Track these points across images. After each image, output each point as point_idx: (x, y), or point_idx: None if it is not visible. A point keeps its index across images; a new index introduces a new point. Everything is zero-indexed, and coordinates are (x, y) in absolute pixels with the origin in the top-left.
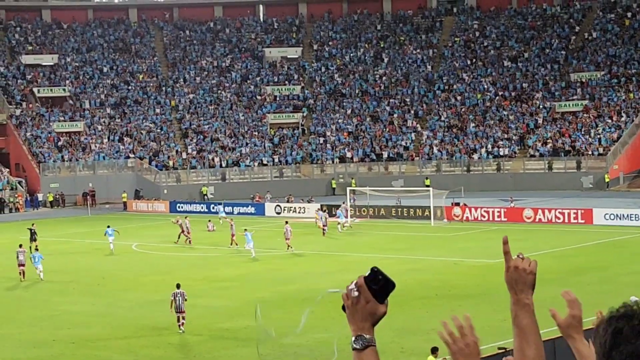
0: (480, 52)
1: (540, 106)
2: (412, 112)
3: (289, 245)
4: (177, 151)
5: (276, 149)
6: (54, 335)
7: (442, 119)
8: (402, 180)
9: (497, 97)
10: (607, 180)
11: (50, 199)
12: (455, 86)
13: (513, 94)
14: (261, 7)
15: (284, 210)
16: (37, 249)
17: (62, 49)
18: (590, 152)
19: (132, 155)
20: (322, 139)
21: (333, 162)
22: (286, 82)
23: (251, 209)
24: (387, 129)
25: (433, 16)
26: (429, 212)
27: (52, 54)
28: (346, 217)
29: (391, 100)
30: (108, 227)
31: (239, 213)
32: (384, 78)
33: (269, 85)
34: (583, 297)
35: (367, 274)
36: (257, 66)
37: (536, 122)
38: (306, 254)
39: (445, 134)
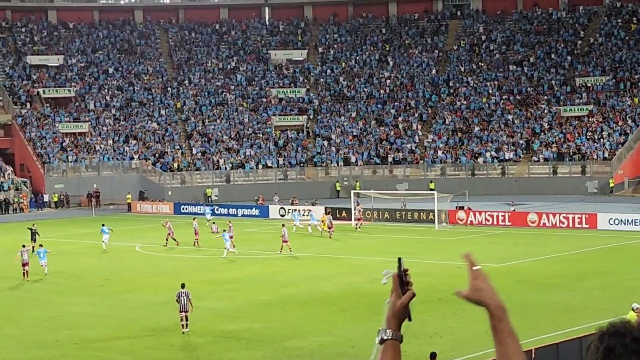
0: (485, 56)
1: (546, 110)
2: (417, 115)
3: (286, 247)
4: (181, 153)
5: (281, 152)
6: (56, 336)
7: (447, 122)
8: (406, 184)
9: (502, 101)
10: (611, 185)
11: (55, 199)
12: (460, 90)
13: (518, 98)
14: (267, 9)
15: (288, 212)
16: (40, 245)
17: (67, 49)
18: (595, 157)
19: (137, 157)
20: (326, 142)
21: (337, 164)
22: (291, 84)
23: (255, 211)
24: (392, 132)
25: (439, 19)
26: (433, 215)
27: (58, 54)
28: (359, 217)
29: (396, 103)
30: (103, 225)
31: (243, 215)
32: (389, 81)
33: (274, 87)
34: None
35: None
36: (262, 68)
37: (541, 127)
38: (310, 257)
39: (450, 137)
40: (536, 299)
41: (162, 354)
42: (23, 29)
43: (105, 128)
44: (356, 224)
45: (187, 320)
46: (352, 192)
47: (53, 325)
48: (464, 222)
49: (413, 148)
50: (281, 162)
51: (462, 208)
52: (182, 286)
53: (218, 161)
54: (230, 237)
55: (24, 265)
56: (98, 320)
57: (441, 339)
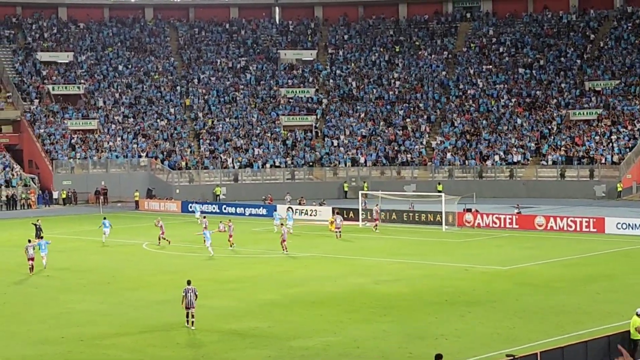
0: (495, 59)
1: (555, 114)
2: (426, 117)
3: (285, 247)
4: (190, 151)
5: (289, 151)
6: (62, 332)
7: (456, 124)
8: (414, 185)
9: (511, 104)
10: (619, 189)
11: (64, 196)
12: (469, 92)
13: (527, 101)
14: (277, 9)
15: (296, 212)
16: (42, 237)
17: (77, 46)
18: (603, 161)
19: (145, 155)
20: (335, 142)
21: (345, 165)
22: (300, 84)
23: (262, 211)
24: (401, 134)
25: (449, 21)
26: (441, 217)
27: (68, 51)
28: (376, 218)
29: (405, 104)
30: (105, 219)
31: (250, 214)
32: (398, 82)
33: (283, 87)
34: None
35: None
36: (271, 68)
37: (550, 130)
38: (316, 257)
39: (458, 139)
40: (542, 302)
41: (168, 352)
42: (33, 26)
43: (114, 125)
44: (375, 225)
45: (192, 317)
46: (360, 192)
47: (59, 322)
48: (471, 225)
49: (421, 150)
50: (289, 162)
51: (469, 210)
52: (188, 283)
53: (226, 160)
54: (230, 236)
55: (29, 260)
56: (104, 317)
57: (447, 341)
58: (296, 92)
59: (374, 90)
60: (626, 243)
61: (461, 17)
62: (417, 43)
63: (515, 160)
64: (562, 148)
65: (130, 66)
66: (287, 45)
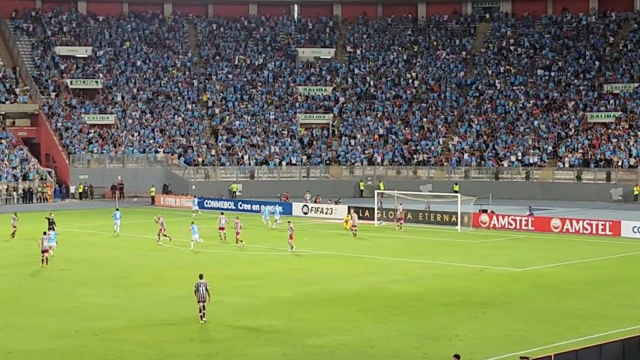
0: (513, 60)
1: (572, 116)
2: (443, 117)
3: (291, 245)
4: (206, 147)
5: (305, 149)
6: (76, 326)
7: (473, 125)
8: (430, 185)
9: (529, 105)
10: (636, 192)
11: (80, 190)
12: (487, 93)
13: (545, 102)
14: (296, 6)
15: (311, 210)
16: (51, 228)
17: (96, 41)
18: (620, 164)
19: (162, 150)
20: (351, 141)
21: (362, 164)
22: (318, 82)
23: (278, 208)
24: (417, 133)
25: (467, 22)
26: (456, 218)
27: (86, 46)
28: (400, 217)
29: (422, 104)
30: (117, 210)
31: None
32: (415, 82)
33: (300, 85)
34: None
35: None
36: (289, 66)
37: (567, 132)
38: (332, 255)
39: (475, 140)
40: (557, 304)
41: (182, 348)
42: (52, 20)
43: (131, 120)
44: (399, 225)
45: (204, 310)
46: (376, 192)
47: (73, 315)
48: (486, 226)
49: (438, 150)
50: (305, 159)
51: (485, 211)
52: (200, 277)
53: (242, 157)
54: (237, 234)
55: (43, 252)
56: (118, 312)
57: (461, 342)
58: (313, 90)
59: (392, 90)
60: None
61: (480, 17)
62: (435, 43)
63: (531, 161)
64: (579, 150)
65: (148, 61)
66: (305, 43)
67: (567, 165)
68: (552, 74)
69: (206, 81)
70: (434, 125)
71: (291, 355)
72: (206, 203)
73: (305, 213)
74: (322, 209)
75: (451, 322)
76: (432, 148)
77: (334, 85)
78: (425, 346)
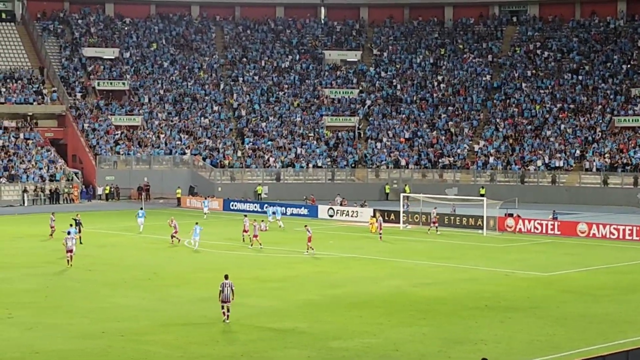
0: (540, 63)
1: (599, 120)
2: (469, 120)
3: (309, 247)
4: (233, 149)
5: (331, 152)
6: (102, 327)
7: (499, 129)
8: (456, 189)
9: (556, 109)
10: None
11: (107, 191)
12: (513, 96)
13: (572, 106)
14: (322, 9)
15: (337, 213)
16: (71, 225)
17: (123, 42)
18: None
19: (189, 152)
20: (377, 144)
21: (387, 167)
22: (344, 85)
23: (304, 211)
24: (443, 137)
25: (495, 25)
26: (482, 221)
27: (114, 47)
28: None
29: (449, 107)
30: (141, 209)
31: (292, 214)
32: (442, 85)
33: (327, 87)
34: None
35: None
36: (316, 68)
37: (594, 136)
38: (358, 258)
39: (501, 144)
40: (584, 310)
41: (208, 350)
42: (80, 21)
43: (157, 122)
44: (435, 227)
45: (228, 310)
46: (402, 195)
47: (100, 316)
48: (512, 230)
49: (463, 153)
50: (331, 162)
51: (511, 215)
52: (226, 277)
53: (269, 159)
54: (255, 236)
55: (68, 252)
56: (145, 313)
57: (486, 346)
58: (340, 92)
59: (418, 93)
60: None
61: (507, 20)
62: (462, 46)
63: (558, 165)
64: (606, 155)
65: (175, 63)
66: (331, 46)
67: (594, 169)
68: (580, 77)
69: (233, 83)
70: (460, 129)
71: (316, 358)
72: (232, 205)
73: (331, 216)
74: (347, 211)
75: (477, 327)
76: (458, 151)
77: (360, 88)
78: (451, 350)
